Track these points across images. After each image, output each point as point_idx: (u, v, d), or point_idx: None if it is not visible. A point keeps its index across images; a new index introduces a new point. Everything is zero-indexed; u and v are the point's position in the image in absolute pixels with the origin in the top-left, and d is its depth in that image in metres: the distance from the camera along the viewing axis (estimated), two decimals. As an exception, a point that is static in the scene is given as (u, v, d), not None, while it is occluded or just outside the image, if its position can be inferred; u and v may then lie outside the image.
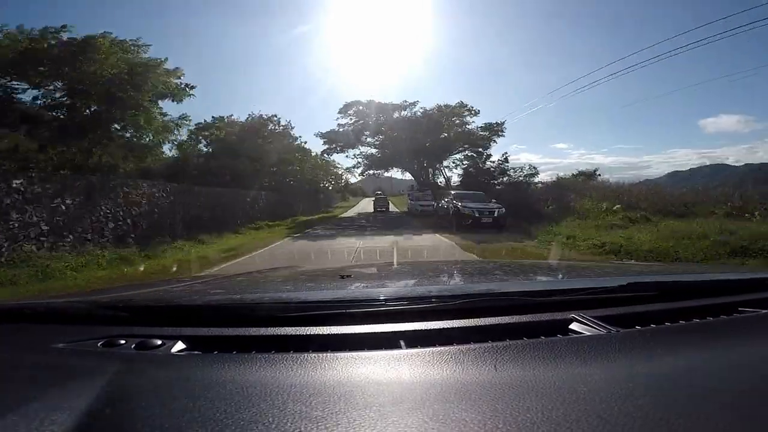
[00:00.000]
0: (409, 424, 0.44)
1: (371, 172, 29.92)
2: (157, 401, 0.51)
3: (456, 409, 0.47)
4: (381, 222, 18.45)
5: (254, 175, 18.34)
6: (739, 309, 0.85)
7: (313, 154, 27.52)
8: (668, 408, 0.47)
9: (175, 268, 6.71)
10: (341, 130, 26.27)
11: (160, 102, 12.73)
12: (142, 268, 6.94)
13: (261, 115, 21.18)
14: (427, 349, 0.64)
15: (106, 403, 0.51)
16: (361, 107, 25.85)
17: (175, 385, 0.56)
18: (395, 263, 2.03)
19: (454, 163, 26.31)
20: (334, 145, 27.10)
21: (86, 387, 0.54)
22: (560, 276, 1.52)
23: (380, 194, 38.05)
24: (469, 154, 24.76)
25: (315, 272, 2.00)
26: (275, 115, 21.55)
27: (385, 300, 0.86)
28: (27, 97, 10.63)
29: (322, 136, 26.79)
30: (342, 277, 1.41)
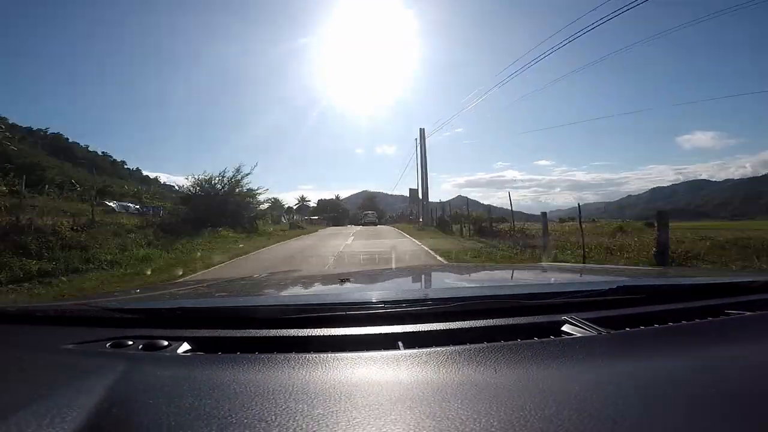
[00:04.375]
0: (408, 422, 0.45)
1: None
2: (164, 400, 0.52)
3: (452, 408, 0.48)
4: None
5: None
6: (726, 311, 0.87)
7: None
8: (657, 407, 0.48)
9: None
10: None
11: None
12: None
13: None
14: (425, 350, 0.65)
15: (114, 402, 0.51)
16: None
17: (181, 385, 0.56)
18: (394, 266, 2.05)
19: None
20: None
21: (95, 386, 0.55)
22: (553, 279, 1.55)
23: (370, 214, 40.48)
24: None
25: (316, 276, 2.01)
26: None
27: (384, 302, 0.88)
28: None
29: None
30: (342, 280, 1.43)
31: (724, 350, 0.68)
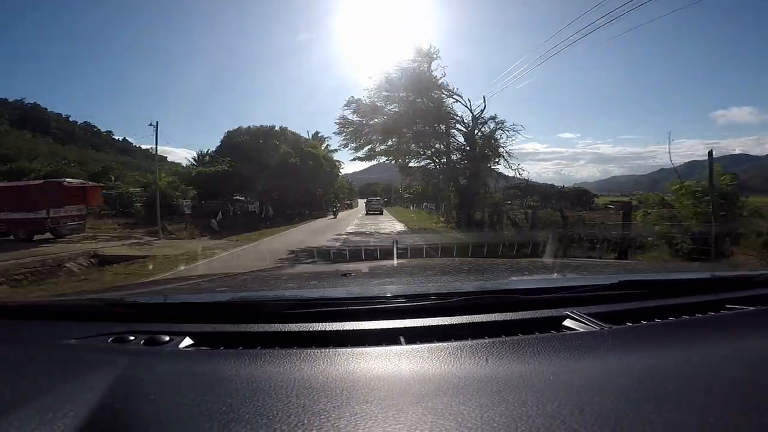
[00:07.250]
0: (409, 417, 0.45)
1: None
2: (165, 395, 0.53)
3: (454, 402, 0.48)
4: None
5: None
6: (726, 306, 0.86)
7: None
8: (658, 401, 0.48)
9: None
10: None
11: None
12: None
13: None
14: (426, 345, 0.65)
15: (116, 397, 0.52)
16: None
17: (183, 379, 0.57)
18: (395, 262, 2.05)
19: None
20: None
21: (97, 381, 0.56)
22: (555, 274, 1.53)
23: (373, 199, 39.75)
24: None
25: (318, 271, 2.04)
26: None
27: (386, 297, 0.88)
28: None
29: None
30: (344, 275, 1.44)
31: (725, 345, 0.67)
